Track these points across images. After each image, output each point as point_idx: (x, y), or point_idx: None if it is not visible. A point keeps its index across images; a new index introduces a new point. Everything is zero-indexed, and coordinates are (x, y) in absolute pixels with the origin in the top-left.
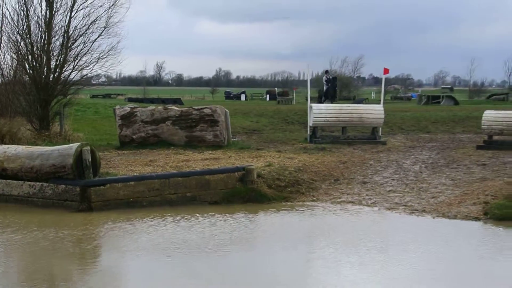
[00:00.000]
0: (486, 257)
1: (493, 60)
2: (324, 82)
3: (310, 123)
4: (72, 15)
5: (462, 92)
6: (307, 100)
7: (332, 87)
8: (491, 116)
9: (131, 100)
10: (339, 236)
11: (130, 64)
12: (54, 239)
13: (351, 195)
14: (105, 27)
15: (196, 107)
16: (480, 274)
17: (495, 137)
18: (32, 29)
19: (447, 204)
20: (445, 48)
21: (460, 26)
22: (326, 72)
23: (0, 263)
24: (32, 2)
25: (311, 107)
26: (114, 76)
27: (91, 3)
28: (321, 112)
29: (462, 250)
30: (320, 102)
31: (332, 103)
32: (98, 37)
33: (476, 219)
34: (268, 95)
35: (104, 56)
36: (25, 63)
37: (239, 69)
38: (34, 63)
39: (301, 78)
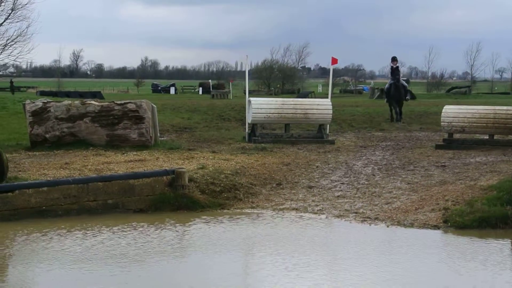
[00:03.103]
0: (446, 271)
1: (454, 50)
2: (389, 76)
3: (248, 119)
4: None
5: (420, 84)
6: (245, 93)
7: (394, 84)
8: (452, 111)
9: (43, 93)
10: (281, 248)
11: (42, 52)
12: None
13: (295, 201)
14: (12, 9)
15: (118, 102)
16: None
17: (456, 135)
18: None
19: (403, 211)
20: (401, 35)
21: (418, 12)
22: (393, 59)
23: None
24: None
25: (249, 101)
26: (24, 66)
27: None
28: (261, 107)
29: (419, 263)
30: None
31: (396, 110)
32: (4, 21)
33: (435, 227)
34: (201, 88)
35: (12, 43)
36: None
37: (168, 58)
38: None
39: (239, 68)
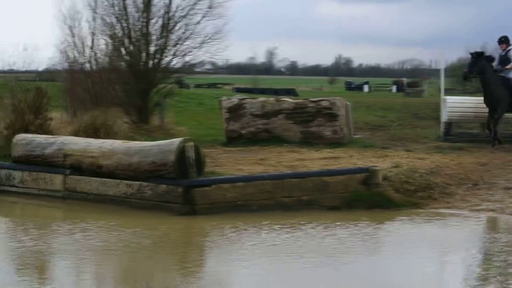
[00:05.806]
0: None
1: None
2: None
3: (443, 118)
4: None
5: None
6: (440, 92)
7: (481, 82)
8: None
9: (239, 90)
10: (479, 252)
11: (237, 50)
12: (155, 245)
13: (492, 203)
14: (209, 7)
15: (312, 99)
16: None
17: None
18: (128, 10)
19: None
20: None
21: None
22: (500, 41)
23: (94, 269)
24: None
25: (444, 100)
26: (220, 64)
27: None
28: (456, 106)
29: None
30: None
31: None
32: (201, 18)
33: None
34: (395, 86)
35: (209, 41)
36: (120, 48)
37: (362, 56)
38: (132, 48)
39: (433, 66)
